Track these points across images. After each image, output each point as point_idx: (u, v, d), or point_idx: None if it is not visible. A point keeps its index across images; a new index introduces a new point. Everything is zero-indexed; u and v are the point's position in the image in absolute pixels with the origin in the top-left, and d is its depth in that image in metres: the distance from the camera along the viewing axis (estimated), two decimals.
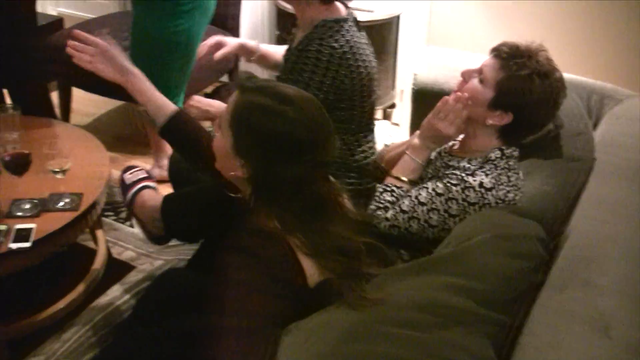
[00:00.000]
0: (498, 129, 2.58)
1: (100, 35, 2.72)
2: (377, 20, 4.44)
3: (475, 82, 2.58)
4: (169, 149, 4.01)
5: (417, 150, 2.71)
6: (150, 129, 4.12)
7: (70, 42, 2.68)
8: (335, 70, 2.88)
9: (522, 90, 2.47)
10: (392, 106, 4.92)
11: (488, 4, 4.47)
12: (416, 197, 2.56)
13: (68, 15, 5.88)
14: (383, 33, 4.53)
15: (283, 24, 3.52)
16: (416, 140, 2.73)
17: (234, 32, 4.80)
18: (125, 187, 2.64)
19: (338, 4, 3.06)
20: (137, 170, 2.67)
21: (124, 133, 4.87)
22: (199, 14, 3.76)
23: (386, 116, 4.93)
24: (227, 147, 2.15)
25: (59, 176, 2.97)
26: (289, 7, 4.02)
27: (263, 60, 3.40)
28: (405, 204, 2.58)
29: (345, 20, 3.00)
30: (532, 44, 2.53)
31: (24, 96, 4.23)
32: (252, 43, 3.39)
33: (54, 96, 4.68)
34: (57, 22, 5.58)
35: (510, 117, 2.53)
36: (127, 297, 3.32)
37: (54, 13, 5.98)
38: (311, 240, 2.06)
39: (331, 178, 2.30)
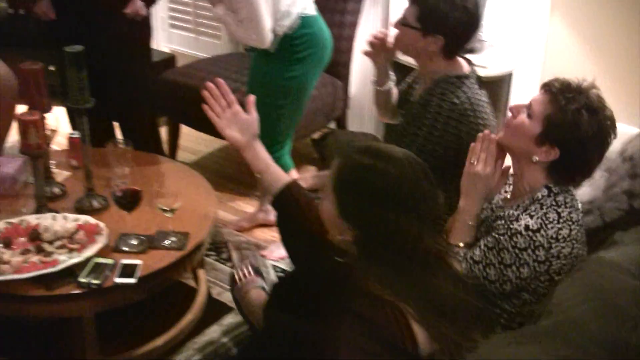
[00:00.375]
0: (546, 167, 2.49)
1: (238, 94, 2.74)
2: (490, 77, 4.39)
3: (523, 116, 2.51)
4: None
5: (465, 211, 2.64)
6: None
7: (205, 93, 2.69)
8: (455, 127, 2.85)
9: (569, 124, 2.40)
10: None
11: (605, 62, 4.38)
12: (471, 258, 2.51)
13: (180, 53, 5.97)
14: (494, 89, 4.47)
15: (396, 75, 3.51)
16: (461, 202, 2.67)
17: (344, 79, 4.81)
18: (234, 281, 2.68)
19: (460, 59, 3.03)
20: (248, 268, 2.70)
21: (228, 172, 4.90)
22: (314, 63, 3.78)
23: None
24: (333, 212, 2.13)
25: (167, 215, 2.99)
26: (403, 58, 4.01)
27: (387, 94, 3.36)
28: (462, 267, 2.52)
29: (467, 76, 2.97)
30: (584, 82, 2.47)
31: (134, 130, 4.31)
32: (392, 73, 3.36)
33: (163, 132, 4.74)
34: (169, 59, 5.68)
35: (557, 153, 2.45)
36: (225, 340, 3.28)
37: (166, 50, 6.07)
38: (419, 303, 2.01)
39: (438, 236, 2.26)
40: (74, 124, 3.95)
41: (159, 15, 5.92)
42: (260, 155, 2.65)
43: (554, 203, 2.47)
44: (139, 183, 3.02)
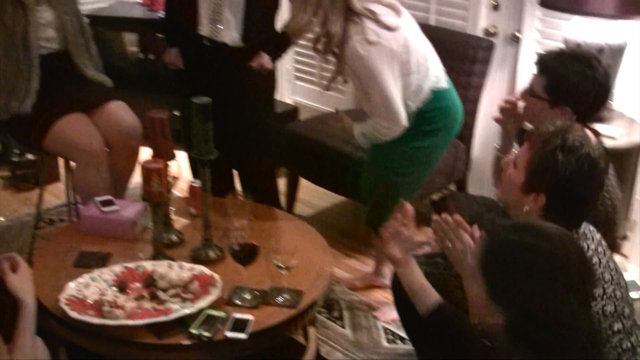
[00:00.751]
0: (540, 216, 2.47)
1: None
2: (618, 148, 4.27)
3: (511, 168, 2.54)
4: None
5: (471, 290, 2.56)
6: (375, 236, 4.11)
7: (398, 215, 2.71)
8: None
9: (545, 167, 2.41)
10: (624, 237, 4.70)
11: None
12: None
13: (303, 105, 5.99)
14: (622, 161, 4.34)
15: (520, 142, 3.46)
16: (464, 284, 2.61)
17: (467, 142, 4.75)
18: None
19: (587, 130, 2.96)
20: None
21: (345, 229, 4.87)
22: (443, 135, 3.72)
23: (615, 247, 4.71)
24: (481, 294, 2.06)
25: (283, 271, 2.96)
26: (530, 127, 3.94)
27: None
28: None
29: None
30: (564, 124, 2.46)
31: (252, 179, 4.35)
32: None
33: (281, 183, 4.75)
34: (292, 111, 5.71)
35: (543, 199, 2.44)
36: None
37: (289, 102, 6.11)
38: None
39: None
40: (196, 172, 4.00)
41: (285, 67, 5.97)
42: (415, 272, 2.63)
43: None
44: (257, 236, 3.01)
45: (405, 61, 3.47)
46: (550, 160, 2.40)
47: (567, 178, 2.39)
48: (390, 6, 3.49)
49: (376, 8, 3.43)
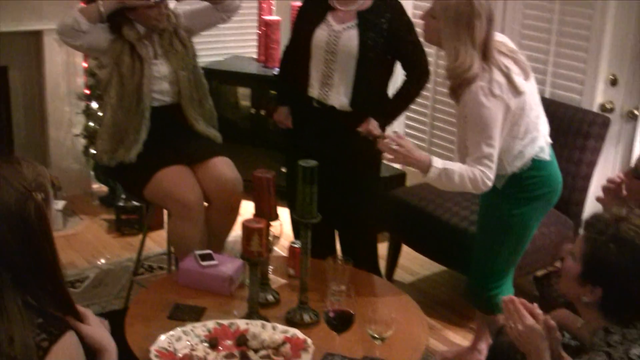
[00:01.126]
0: (598, 308, 2.36)
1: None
2: None
3: (569, 260, 2.44)
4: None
5: None
6: (479, 312, 4.02)
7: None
8: None
9: (599, 260, 2.32)
10: None
11: None
12: None
13: (411, 171, 5.92)
14: None
15: None
16: None
17: (576, 219, 4.63)
18: None
19: None
20: None
21: (445, 300, 4.79)
22: (540, 204, 3.65)
23: None
24: None
25: (377, 342, 2.91)
26: None
27: None
28: None
29: None
30: (621, 212, 2.34)
31: (353, 242, 4.30)
32: None
33: (383, 247, 4.71)
34: (400, 177, 5.68)
35: (600, 292, 2.33)
36: None
37: (397, 166, 6.05)
38: None
39: None
40: (297, 233, 3.98)
41: (394, 131, 5.93)
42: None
43: (604, 344, 2.31)
44: (353, 304, 2.96)
45: (515, 123, 3.42)
46: (603, 252, 2.32)
47: (622, 272, 2.30)
48: (523, 67, 3.46)
49: (511, 65, 3.40)
